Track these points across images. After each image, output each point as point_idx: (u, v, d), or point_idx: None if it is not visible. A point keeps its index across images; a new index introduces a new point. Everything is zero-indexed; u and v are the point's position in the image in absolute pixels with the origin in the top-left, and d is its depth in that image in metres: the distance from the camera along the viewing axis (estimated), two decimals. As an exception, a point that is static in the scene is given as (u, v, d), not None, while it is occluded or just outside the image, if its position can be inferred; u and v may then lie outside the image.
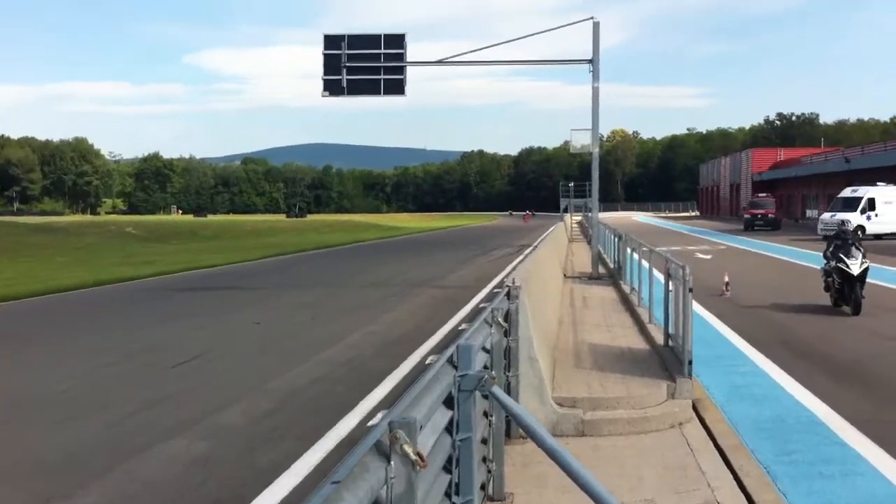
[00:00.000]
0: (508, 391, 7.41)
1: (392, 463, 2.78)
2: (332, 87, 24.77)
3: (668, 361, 10.13)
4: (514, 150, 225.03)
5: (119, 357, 13.32)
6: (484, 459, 5.71)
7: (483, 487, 5.61)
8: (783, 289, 21.62)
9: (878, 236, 46.09)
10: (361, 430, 8.12)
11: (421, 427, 3.41)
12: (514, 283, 7.90)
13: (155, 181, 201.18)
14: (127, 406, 9.72)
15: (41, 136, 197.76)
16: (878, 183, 49.36)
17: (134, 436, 8.43)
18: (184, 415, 9.23)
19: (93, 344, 14.78)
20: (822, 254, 17.75)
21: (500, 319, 6.59)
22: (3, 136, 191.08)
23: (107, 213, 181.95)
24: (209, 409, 9.46)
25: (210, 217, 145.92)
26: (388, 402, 9.09)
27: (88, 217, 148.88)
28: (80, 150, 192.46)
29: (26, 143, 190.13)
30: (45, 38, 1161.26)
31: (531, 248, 37.53)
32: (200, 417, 9.08)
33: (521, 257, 31.93)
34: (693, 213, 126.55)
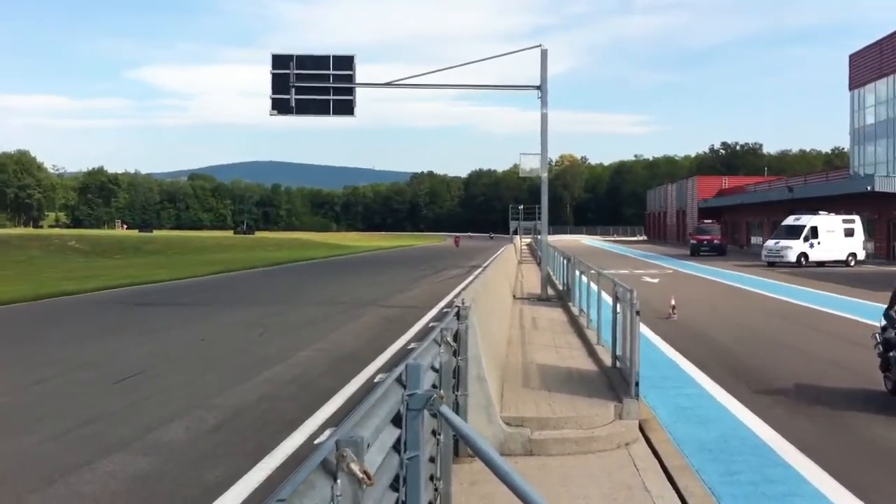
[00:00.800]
0: (457, 410, 7.39)
1: (338, 481, 2.74)
2: (280, 107, 24.75)
3: (616, 382, 10.20)
4: (464, 173, 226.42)
5: (59, 372, 13.04)
6: (431, 478, 5.67)
7: (430, 506, 5.57)
8: (727, 312, 21.96)
9: (820, 263, 47.13)
10: (309, 447, 8.03)
11: (368, 445, 3.38)
12: (463, 303, 7.90)
13: (99, 195, 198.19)
14: (67, 421, 9.50)
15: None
16: (820, 212, 50.49)
17: (74, 451, 8.23)
18: (126, 431, 9.04)
19: (31, 358, 14.44)
20: (882, 315, 11.28)
21: (449, 339, 6.58)
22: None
23: (50, 226, 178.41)
24: (152, 424, 9.28)
25: (156, 232, 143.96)
26: (336, 420, 9.02)
27: (31, 230, 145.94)
28: (22, 163, 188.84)
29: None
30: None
31: (481, 269, 37.65)
32: (144, 433, 8.90)
33: (470, 278, 32.00)
34: (640, 238, 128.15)
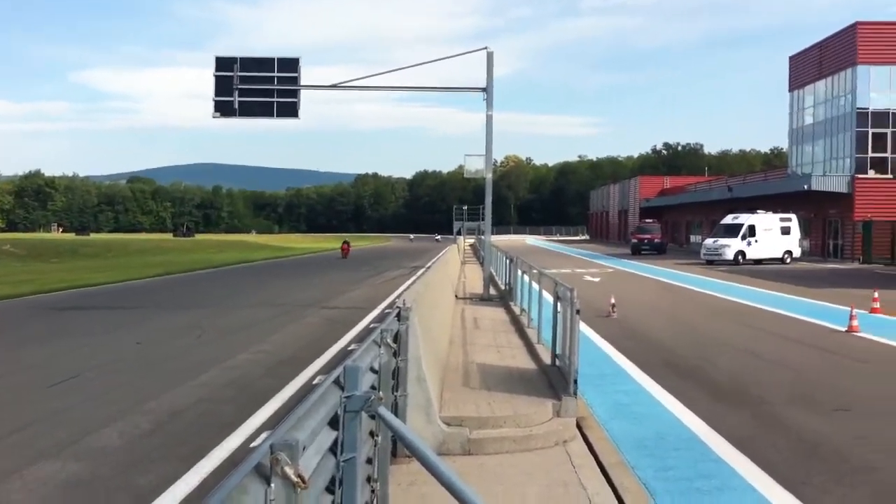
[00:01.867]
0: (396, 411, 7.37)
1: (272, 485, 2.72)
2: (223, 109, 24.54)
3: (555, 381, 10.28)
4: (409, 174, 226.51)
5: (-10, 378, 12.71)
6: (368, 479, 5.65)
7: (367, 507, 5.55)
8: (666, 310, 22.27)
9: (757, 261, 48.08)
10: (245, 450, 7.94)
11: (304, 448, 3.36)
12: (404, 303, 7.89)
13: (35, 199, 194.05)
14: (-4, 428, 9.27)
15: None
16: (758, 210, 51.53)
17: (3, 457, 8.03)
18: (58, 435, 8.85)
19: (-38, 364, 14.06)
20: None
21: (389, 340, 6.56)
22: None
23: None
24: (86, 429, 9.10)
25: (93, 235, 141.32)
26: (274, 422, 8.93)
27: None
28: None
29: None
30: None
31: (423, 269, 37.65)
32: (76, 438, 8.72)
33: (413, 278, 31.96)
34: (583, 237, 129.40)
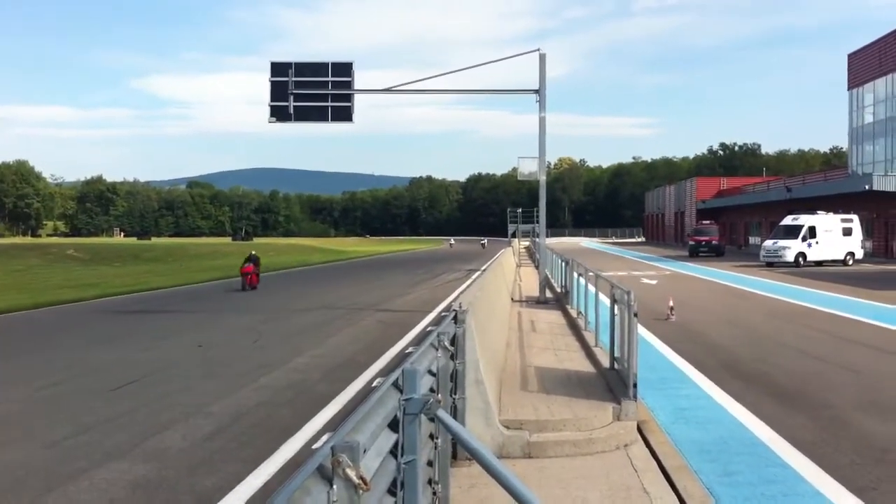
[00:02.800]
0: (455, 414, 7.38)
1: (334, 486, 2.74)
2: (279, 114, 24.79)
3: (614, 384, 10.19)
4: (462, 177, 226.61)
5: (57, 380, 13.01)
6: (430, 482, 5.66)
7: (429, 509, 5.56)
8: (726, 313, 21.95)
9: (818, 263, 47.18)
10: (306, 453, 8.02)
11: (365, 450, 3.38)
12: (461, 307, 7.89)
13: (98, 204, 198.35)
14: (65, 429, 9.49)
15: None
16: (818, 211, 50.53)
17: (72, 459, 8.22)
18: (124, 438, 9.03)
19: (30, 367, 14.42)
20: None
21: (446, 343, 6.57)
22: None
23: (48, 235, 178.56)
24: (150, 431, 9.28)
25: (154, 240, 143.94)
26: (334, 426, 9.00)
27: (29, 239, 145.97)
28: (20, 173, 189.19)
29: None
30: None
31: (479, 272, 37.64)
32: (142, 440, 8.90)
33: (468, 282, 31.98)
34: (639, 240, 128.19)
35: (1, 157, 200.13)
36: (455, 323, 7.54)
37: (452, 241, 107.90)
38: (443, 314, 19.10)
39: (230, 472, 7.61)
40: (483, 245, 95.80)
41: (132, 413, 10.40)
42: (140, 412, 10.44)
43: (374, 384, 11.28)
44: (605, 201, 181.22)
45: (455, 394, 7.43)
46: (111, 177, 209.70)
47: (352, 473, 2.82)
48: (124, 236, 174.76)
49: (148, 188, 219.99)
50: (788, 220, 50.90)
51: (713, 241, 63.25)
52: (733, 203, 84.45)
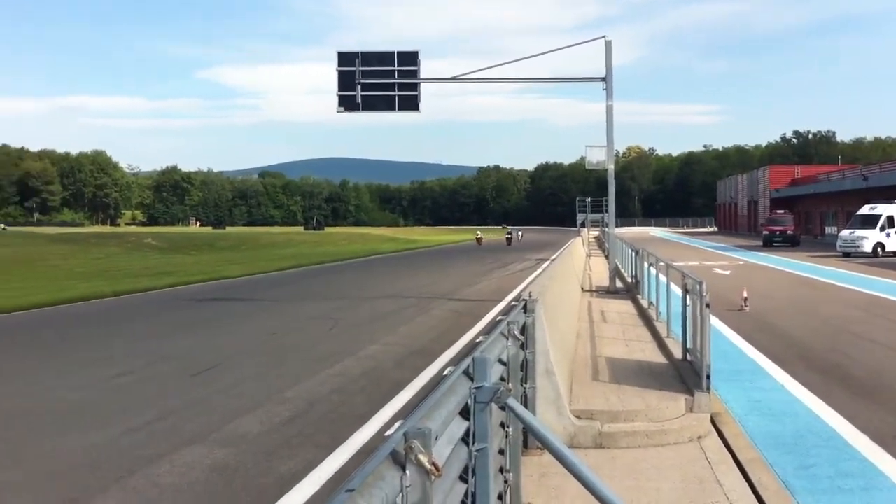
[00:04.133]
0: (525, 403, 7.41)
1: (407, 472, 2.79)
2: (346, 103, 24.95)
3: (687, 375, 10.11)
4: (530, 166, 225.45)
5: (137, 366, 13.41)
6: (501, 470, 5.71)
7: (500, 498, 5.61)
8: (802, 304, 21.53)
9: (896, 254, 45.90)
10: (379, 439, 8.14)
11: (437, 437, 3.43)
12: (530, 296, 7.92)
13: (173, 193, 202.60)
14: (146, 414, 9.79)
15: (60, 149, 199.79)
16: None
17: (153, 443, 8.49)
18: (202, 422, 9.29)
19: (110, 353, 14.88)
20: None
21: (516, 332, 6.59)
22: (21, 147, 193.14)
23: (126, 224, 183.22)
24: (228, 417, 9.52)
25: (228, 229, 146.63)
26: (406, 413, 9.11)
27: (108, 228, 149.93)
28: (98, 163, 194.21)
29: (45, 155, 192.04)
30: (61, 54, 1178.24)
31: (548, 262, 37.52)
32: (219, 425, 9.13)
33: (538, 271, 31.91)
34: (711, 229, 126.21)
35: (79, 148, 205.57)
36: (525, 312, 7.56)
37: (515, 231, 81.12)
38: (513, 303, 19.12)
39: (306, 458, 7.78)
40: (509, 238, 73.51)
41: (209, 399, 10.67)
42: (217, 398, 10.71)
43: (446, 373, 11.37)
44: (675, 190, 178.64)
45: (526, 383, 7.47)
46: (185, 166, 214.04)
47: (424, 459, 2.87)
48: (200, 225, 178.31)
49: (221, 178, 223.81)
50: (866, 210, 49.55)
51: (788, 231, 61.92)
52: (808, 192, 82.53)
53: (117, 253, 66.12)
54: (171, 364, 13.54)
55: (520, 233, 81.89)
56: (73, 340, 17.01)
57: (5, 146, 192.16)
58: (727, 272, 33.83)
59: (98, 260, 55.02)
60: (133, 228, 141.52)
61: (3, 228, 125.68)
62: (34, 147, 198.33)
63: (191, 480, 7.28)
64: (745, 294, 20.22)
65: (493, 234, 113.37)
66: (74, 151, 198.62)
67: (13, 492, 7.13)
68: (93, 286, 30.05)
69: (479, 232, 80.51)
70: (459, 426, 4.34)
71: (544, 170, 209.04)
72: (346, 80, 24.80)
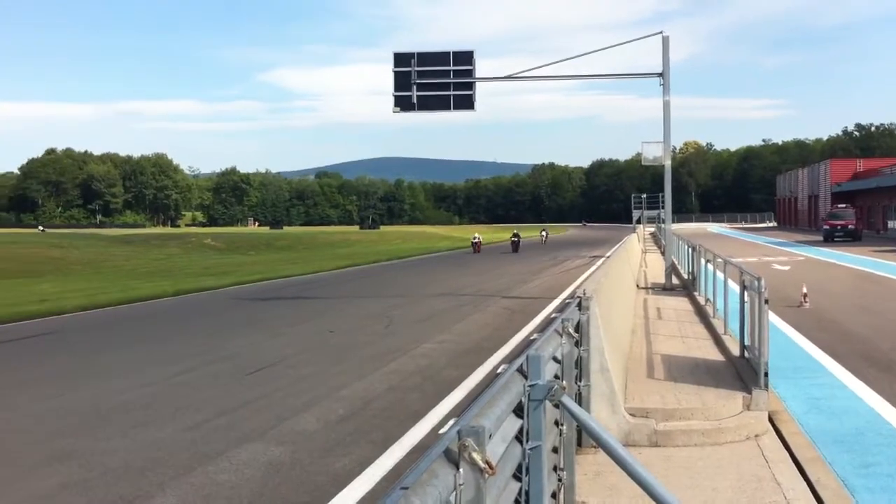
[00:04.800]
0: (580, 401, 7.39)
1: (461, 470, 2.80)
2: (402, 103, 25.10)
3: (744, 373, 9.98)
4: (585, 163, 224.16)
5: (197, 364, 13.65)
6: (555, 468, 5.70)
7: (554, 496, 5.60)
8: (864, 300, 21.09)
9: (965, 248, 44.66)
10: (434, 437, 8.19)
11: (490, 435, 3.44)
12: (585, 293, 7.89)
13: (232, 195, 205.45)
14: (204, 411, 9.97)
15: (122, 152, 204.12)
16: None
17: (211, 440, 8.64)
18: (260, 420, 9.43)
19: (171, 351, 15.18)
20: None
21: (570, 330, 6.58)
22: (85, 151, 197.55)
23: (186, 225, 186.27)
24: (284, 414, 9.65)
25: (286, 229, 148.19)
26: (461, 410, 9.14)
27: (169, 229, 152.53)
28: (160, 166, 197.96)
29: (108, 158, 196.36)
30: (125, 60, 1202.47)
31: (603, 259, 37.27)
32: (276, 423, 9.26)
33: (593, 268, 31.71)
34: (770, 225, 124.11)
35: (141, 151, 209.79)
36: (579, 310, 7.54)
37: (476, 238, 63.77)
38: (567, 301, 19.04)
39: (361, 455, 7.86)
40: (515, 243, 58.14)
41: (266, 397, 10.82)
42: (274, 396, 10.85)
43: (500, 370, 11.38)
44: (733, 185, 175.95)
45: (580, 381, 7.44)
46: (244, 168, 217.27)
47: (477, 457, 2.88)
48: (258, 225, 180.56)
49: (279, 179, 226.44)
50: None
51: (849, 226, 60.63)
52: (871, 186, 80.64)
53: (177, 253, 67.27)
54: (230, 362, 13.76)
55: (544, 234, 76.02)
56: (136, 340, 17.36)
57: (70, 150, 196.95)
58: (786, 268, 33.25)
59: (159, 260, 56.07)
60: (193, 229, 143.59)
61: (42, 230, 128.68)
62: (98, 151, 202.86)
63: (247, 477, 7.39)
64: (804, 290, 19.86)
65: (552, 232, 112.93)
66: (136, 154, 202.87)
67: (77, 489, 7.31)
68: (155, 286, 30.65)
69: (477, 235, 61.35)
70: (513, 424, 4.34)
71: (599, 167, 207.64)
72: (402, 81, 24.97)
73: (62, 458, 8.24)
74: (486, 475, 2.97)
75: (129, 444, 8.67)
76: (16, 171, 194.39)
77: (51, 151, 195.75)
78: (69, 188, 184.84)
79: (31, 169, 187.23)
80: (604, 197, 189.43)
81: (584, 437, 7.28)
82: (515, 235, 59.05)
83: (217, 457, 8.00)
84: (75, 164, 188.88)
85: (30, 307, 23.27)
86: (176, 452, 8.28)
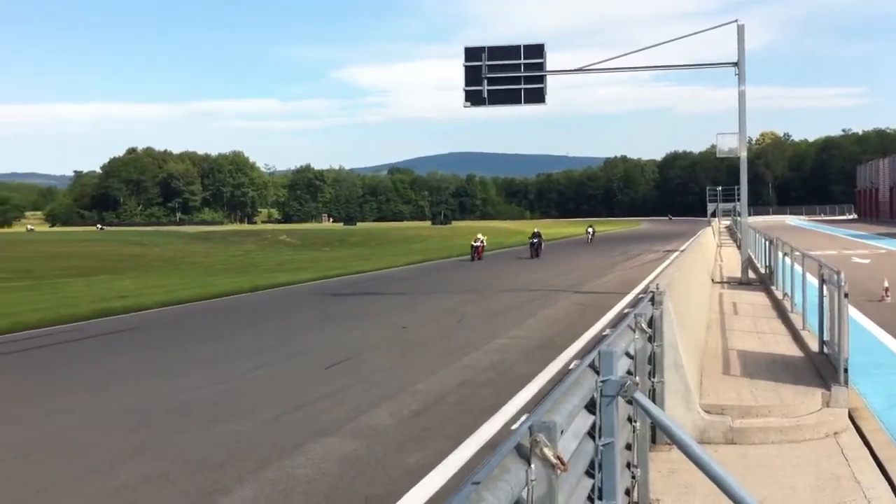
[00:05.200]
0: (653, 397, 7.35)
1: (532, 465, 2.82)
2: (473, 98, 25.15)
3: (823, 369, 9.79)
4: (658, 155, 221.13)
5: (273, 359, 13.94)
6: (628, 465, 5.68)
7: (627, 493, 5.59)
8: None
9: None
10: (506, 432, 8.21)
11: (562, 431, 3.45)
12: (657, 288, 7.83)
13: (307, 191, 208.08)
14: (282, 405, 10.16)
15: (200, 151, 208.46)
16: None
17: (287, 434, 8.81)
18: (335, 414, 9.57)
19: (248, 346, 15.49)
20: None
21: (643, 325, 6.54)
22: (165, 150, 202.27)
23: (263, 222, 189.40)
24: (359, 409, 9.79)
25: (359, 224, 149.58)
26: (532, 406, 9.15)
27: (246, 226, 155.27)
28: (236, 163, 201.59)
29: (186, 157, 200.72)
30: (201, 61, 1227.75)
31: (677, 252, 36.78)
32: (352, 417, 9.40)
33: (666, 262, 31.34)
34: (850, 217, 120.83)
35: (218, 149, 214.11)
36: (652, 305, 7.49)
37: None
38: (640, 296, 18.86)
39: (435, 449, 7.93)
40: (535, 244, 46.55)
41: (342, 391, 10.97)
42: (349, 391, 11.01)
43: (571, 366, 11.35)
44: (812, 177, 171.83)
45: (653, 377, 7.40)
46: (318, 165, 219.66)
47: (549, 453, 2.89)
48: (332, 221, 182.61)
49: (352, 175, 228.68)
50: None
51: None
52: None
53: (254, 250, 68.46)
54: (306, 357, 14.02)
55: (590, 230, 66.20)
56: (214, 335, 17.77)
57: (150, 149, 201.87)
58: (867, 261, 32.36)
59: (236, 257, 57.14)
60: (269, 226, 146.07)
61: (101, 228, 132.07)
62: (177, 150, 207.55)
63: (323, 471, 7.52)
64: (885, 284, 19.33)
65: (621, 226, 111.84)
66: (214, 153, 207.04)
67: (158, 482, 7.53)
68: (232, 282, 31.28)
69: (480, 236, 45.44)
70: (585, 420, 4.34)
71: (673, 159, 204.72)
72: (472, 75, 25.03)
73: (142, 450, 8.49)
74: (558, 471, 2.98)
75: (207, 438, 8.89)
76: (98, 170, 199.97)
77: (132, 151, 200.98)
78: (149, 186, 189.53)
79: (113, 168, 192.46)
80: (678, 190, 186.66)
81: (658, 433, 7.23)
82: (536, 235, 45.75)
83: (294, 451, 8.15)
84: (155, 163, 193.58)
85: (112, 304, 23.96)
86: (254, 446, 8.45)
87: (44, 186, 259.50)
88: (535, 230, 47.13)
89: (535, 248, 44.64)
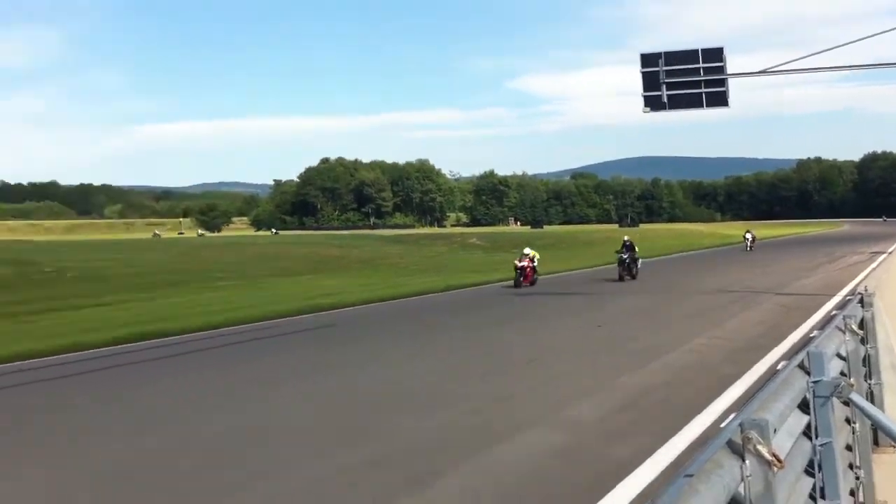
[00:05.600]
0: (871, 399, 7.17)
1: (746, 461, 2.82)
2: (652, 103, 24.95)
3: None
4: (855, 156, 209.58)
5: (474, 353, 14.42)
6: (850, 466, 5.61)
7: (852, 494, 5.52)
8: None
9: None
10: (713, 431, 8.17)
11: (774, 430, 3.48)
12: (866, 290, 7.65)
13: (492, 196, 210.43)
14: (482, 398, 10.48)
15: (388, 160, 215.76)
16: None
17: (493, 424, 9.07)
18: (538, 407, 9.79)
19: (449, 343, 16.05)
20: None
21: (853, 326, 6.41)
22: (356, 160, 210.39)
23: (452, 225, 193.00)
24: (562, 403, 9.96)
25: (546, 228, 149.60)
26: (739, 406, 9.05)
27: (435, 230, 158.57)
28: (423, 171, 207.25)
29: (377, 165, 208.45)
30: (388, 76, 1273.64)
31: (885, 254, 34.83)
32: (555, 410, 9.58)
33: (873, 265, 29.77)
34: None
35: (405, 158, 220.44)
36: (862, 306, 7.33)
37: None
38: (847, 298, 18.12)
39: (642, 444, 7.94)
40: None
41: (543, 385, 11.19)
42: (550, 385, 11.21)
43: (779, 367, 11.13)
44: None
45: (870, 378, 7.22)
46: (501, 171, 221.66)
47: (763, 450, 2.90)
48: (520, 225, 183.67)
49: (535, 180, 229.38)
50: None
51: None
52: None
53: (444, 252, 69.75)
54: (505, 352, 14.42)
55: (749, 235, 54.47)
56: (414, 331, 18.47)
57: (342, 159, 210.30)
58: None
59: (429, 258, 58.46)
60: (458, 229, 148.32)
61: (275, 232, 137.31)
62: (366, 159, 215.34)
63: (532, 460, 7.72)
64: None
65: (819, 228, 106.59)
66: (402, 161, 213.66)
67: (378, 465, 7.91)
68: (428, 281, 32.47)
69: (528, 251, 32.88)
70: (798, 420, 4.37)
71: (872, 160, 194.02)
72: (650, 81, 24.87)
73: (360, 435, 8.97)
74: (775, 469, 3.03)
75: (417, 426, 9.29)
76: (296, 178, 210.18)
77: (325, 160, 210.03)
78: (343, 193, 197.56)
79: (309, 176, 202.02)
80: (879, 191, 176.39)
81: (881, 436, 7.05)
82: (626, 247, 32.48)
83: (500, 440, 8.37)
84: (347, 172, 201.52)
85: (320, 300, 25.42)
86: (461, 434, 8.76)
87: (247, 194, 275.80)
88: (626, 239, 33.49)
89: (626, 265, 31.93)
